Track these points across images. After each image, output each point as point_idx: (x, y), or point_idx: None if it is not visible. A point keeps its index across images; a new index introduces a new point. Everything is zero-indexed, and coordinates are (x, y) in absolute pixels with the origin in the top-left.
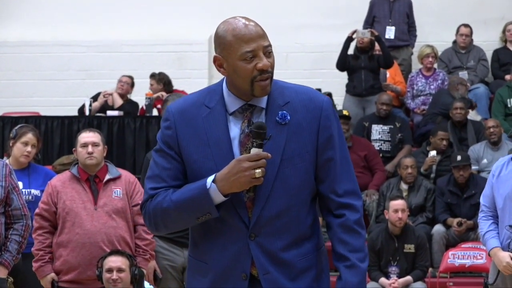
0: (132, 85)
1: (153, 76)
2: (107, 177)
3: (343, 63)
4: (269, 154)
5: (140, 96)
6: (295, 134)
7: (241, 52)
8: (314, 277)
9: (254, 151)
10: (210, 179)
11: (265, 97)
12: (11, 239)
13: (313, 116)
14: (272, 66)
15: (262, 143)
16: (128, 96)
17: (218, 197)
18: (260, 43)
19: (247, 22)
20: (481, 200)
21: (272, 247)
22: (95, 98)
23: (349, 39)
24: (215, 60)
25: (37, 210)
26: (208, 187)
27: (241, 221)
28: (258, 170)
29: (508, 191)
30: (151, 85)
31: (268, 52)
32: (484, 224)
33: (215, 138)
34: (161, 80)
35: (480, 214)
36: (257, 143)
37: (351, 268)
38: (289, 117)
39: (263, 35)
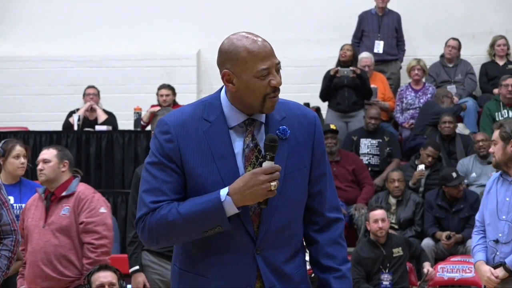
0: (98, 94)
1: (168, 86)
2: (63, 194)
3: (326, 94)
4: (280, 167)
5: (128, 111)
6: (294, 149)
7: (257, 70)
8: None
9: (267, 164)
10: (223, 192)
11: None
12: (0, 254)
13: (308, 131)
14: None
15: (274, 156)
16: (98, 106)
17: (232, 210)
18: (273, 61)
19: (256, 38)
20: (476, 215)
21: (275, 260)
22: (70, 114)
23: (331, 77)
24: (223, 75)
25: None
26: (222, 200)
27: (248, 235)
28: (273, 183)
29: (493, 207)
30: (166, 95)
31: (278, 69)
32: (474, 238)
33: (219, 152)
34: (173, 90)
35: (474, 229)
36: (270, 156)
37: (342, 278)
38: (289, 132)
39: (273, 52)
